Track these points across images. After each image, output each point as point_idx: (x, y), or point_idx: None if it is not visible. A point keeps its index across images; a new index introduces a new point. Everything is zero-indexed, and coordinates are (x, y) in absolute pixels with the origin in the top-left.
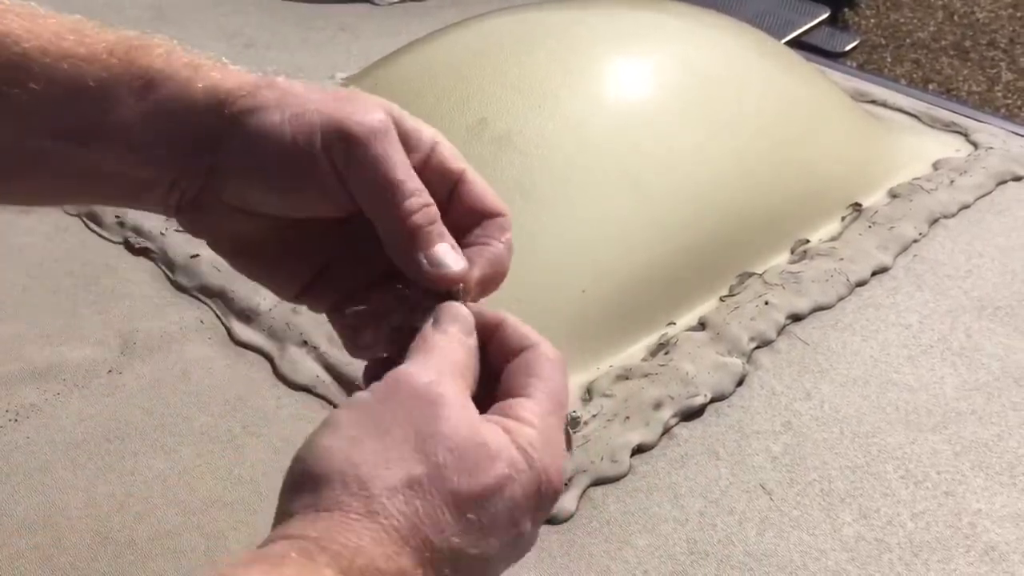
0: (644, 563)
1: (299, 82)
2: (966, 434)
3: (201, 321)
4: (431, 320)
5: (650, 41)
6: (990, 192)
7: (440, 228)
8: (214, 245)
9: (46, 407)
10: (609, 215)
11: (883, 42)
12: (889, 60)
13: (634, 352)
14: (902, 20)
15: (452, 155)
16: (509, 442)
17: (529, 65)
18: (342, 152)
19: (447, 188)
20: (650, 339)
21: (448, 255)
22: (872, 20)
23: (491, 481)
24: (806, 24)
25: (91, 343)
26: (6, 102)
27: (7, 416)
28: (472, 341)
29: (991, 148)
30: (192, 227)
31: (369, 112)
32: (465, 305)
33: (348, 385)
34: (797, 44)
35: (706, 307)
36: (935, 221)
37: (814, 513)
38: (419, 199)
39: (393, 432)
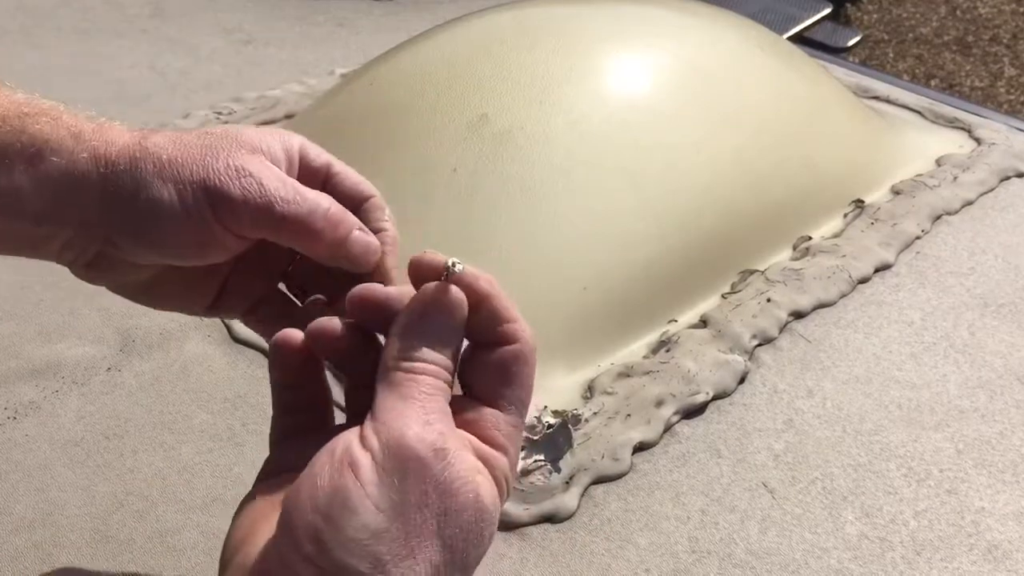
0: (646, 561)
1: (170, 137)
2: (969, 432)
3: (200, 318)
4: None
5: (652, 37)
6: (993, 189)
7: (347, 220)
8: (115, 290)
9: (45, 405)
10: (610, 212)
11: (885, 37)
12: (891, 56)
13: (635, 349)
14: (904, 16)
15: (315, 153)
16: (496, 493)
17: (530, 61)
18: (229, 212)
19: (319, 183)
20: (651, 336)
21: (362, 239)
22: (875, 16)
23: (488, 542)
24: (808, 19)
25: (90, 341)
26: None
27: (6, 414)
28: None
29: (994, 144)
30: (91, 278)
31: (233, 163)
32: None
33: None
34: (799, 40)
35: (708, 304)
36: (938, 218)
37: (816, 511)
38: (313, 211)
39: (411, 516)
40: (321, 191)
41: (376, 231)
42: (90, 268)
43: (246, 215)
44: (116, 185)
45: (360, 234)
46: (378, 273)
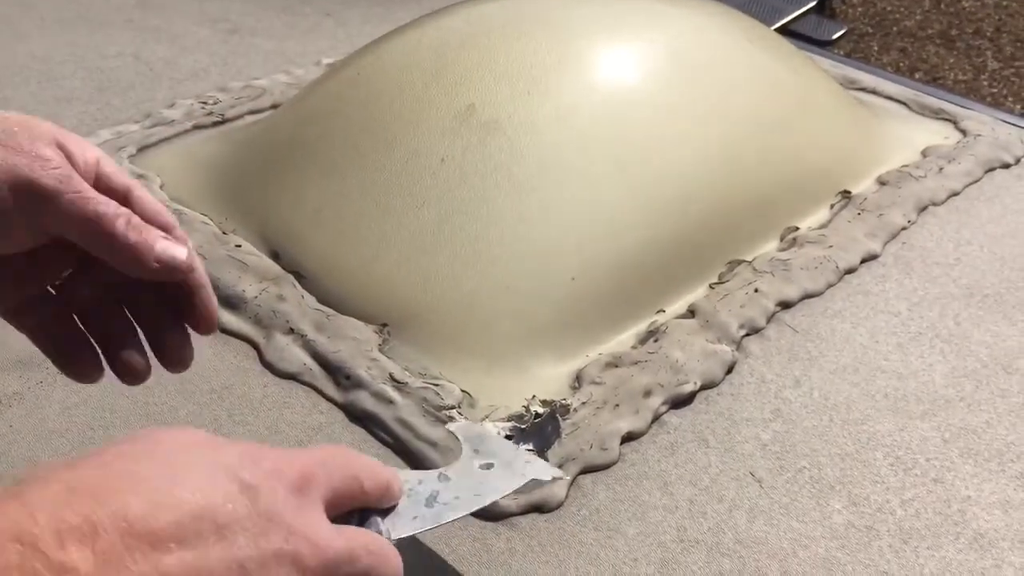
0: (634, 551)
1: None
2: (955, 421)
3: None
4: None
5: (639, 28)
6: (979, 179)
7: (148, 229)
8: None
9: (29, 395)
10: (598, 202)
11: (870, 31)
12: (876, 49)
13: (624, 340)
14: (889, 9)
15: (115, 172)
16: None
17: (517, 52)
18: (34, 205)
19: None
20: (639, 327)
21: (171, 247)
22: (859, 9)
23: None
24: (793, 12)
25: None
26: None
27: None
28: None
29: (979, 135)
30: None
31: (40, 153)
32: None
33: (335, 372)
34: (784, 32)
35: (695, 295)
36: (924, 209)
37: (804, 500)
38: (118, 215)
39: None
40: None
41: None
42: None
43: (59, 208)
44: None
45: (169, 242)
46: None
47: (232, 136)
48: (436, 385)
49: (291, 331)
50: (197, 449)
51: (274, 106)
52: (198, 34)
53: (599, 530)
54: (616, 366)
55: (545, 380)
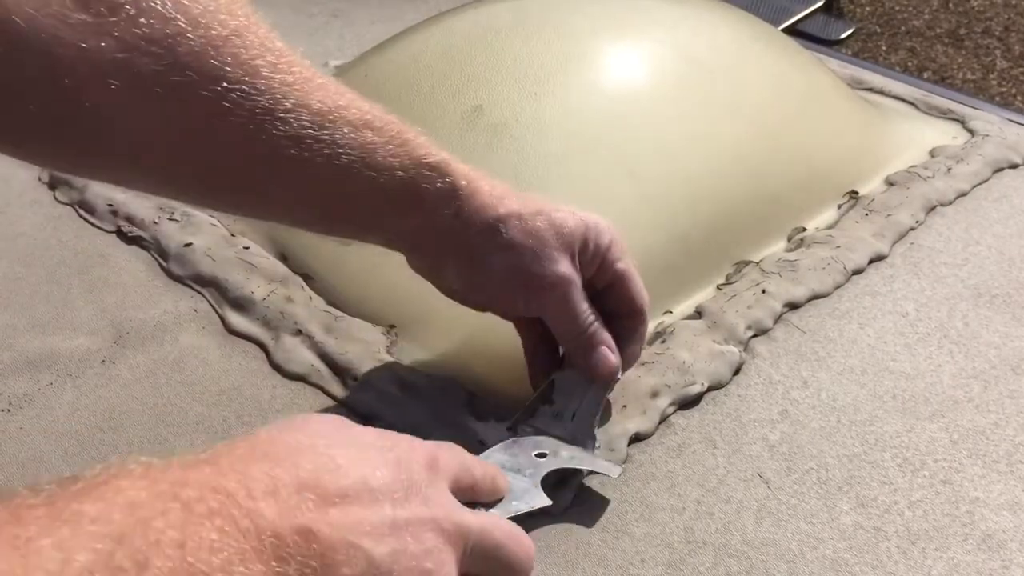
0: (641, 552)
1: (518, 226)
2: (963, 422)
3: (195, 310)
4: None
5: (646, 28)
6: (987, 180)
7: (601, 336)
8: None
9: (39, 397)
10: (605, 203)
11: (878, 30)
12: (884, 48)
13: None
14: (897, 8)
15: (616, 255)
16: None
17: (525, 52)
18: (534, 307)
19: (608, 280)
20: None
21: (608, 357)
22: (867, 8)
23: None
24: (801, 12)
25: (84, 333)
26: None
27: None
28: None
29: (988, 136)
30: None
31: (550, 268)
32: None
33: (343, 374)
34: (792, 32)
35: (703, 295)
36: (932, 209)
37: (811, 501)
38: (590, 324)
39: None
40: (606, 284)
41: (622, 346)
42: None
43: (548, 315)
44: (469, 247)
45: (605, 352)
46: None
47: None
48: (444, 387)
49: (299, 332)
50: (342, 428)
51: None
52: None
53: (606, 531)
54: None
55: None
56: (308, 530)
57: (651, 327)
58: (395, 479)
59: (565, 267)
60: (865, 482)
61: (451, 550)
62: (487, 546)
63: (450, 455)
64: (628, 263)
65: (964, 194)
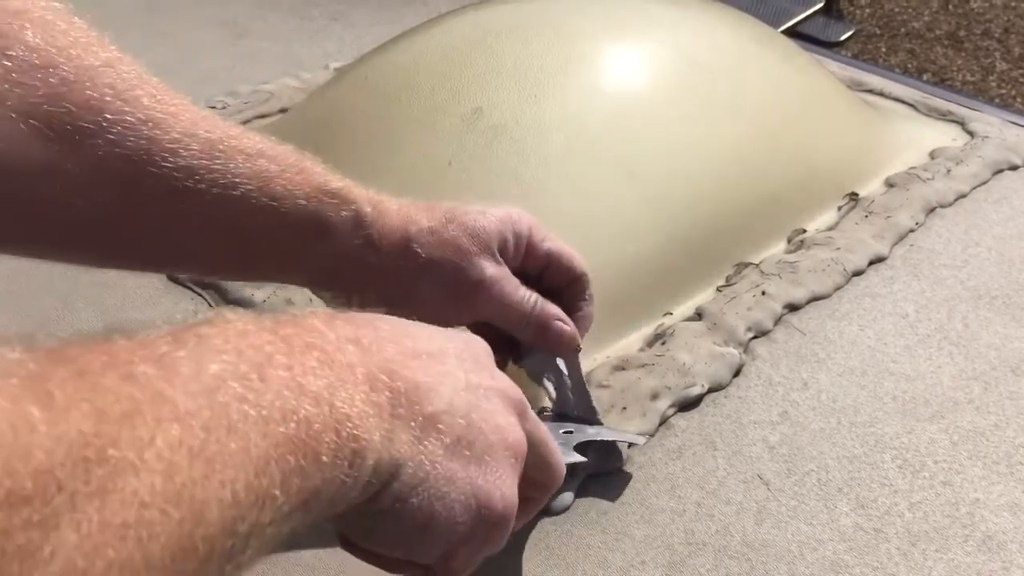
0: (642, 554)
1: (430, 239)
2: (963, 423)
3: (195, 312)
4: None
5: (646, 30)
6: (987, 181)
7: (548, 311)
8: None
9: None
10: (605, 205)
11: (878, 32)
12: (884, 50)
13: (631, 342)
14: (897, 10)
15: (540, 237)
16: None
17: (525, 54)
18: (474, 311)
19: (540, 263)
20: (647, 329)
21: (563, 328)
22: (867, 10)
23: None
24: (801, 14)
25: (84, 334)
26: None
27: None
28: None
29: (987, 137)
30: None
31: (478, 271)
32: None
33: None
34: (792, 34)
35: (703, 297)
36: (932, 210)
37: (811, 503)
38: (532, 306)
39: None
40: (540, 268)
41: (574, 312)
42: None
43: (490, 315)
44: (386, 274)
45: (559, 325)
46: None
47: None
48: None
49: None
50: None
51: (282, 110)
52: (206, 38)
53: (607, 533)
54: (623, 369)
55: None
56: (392, 371)
57: (650, 329)
58: (466, 351)
59: (489, 268)
60: (865, 484)
61: (517, 420)
62: (537, 438)
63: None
64: (554, 240)
65: (964, 196)
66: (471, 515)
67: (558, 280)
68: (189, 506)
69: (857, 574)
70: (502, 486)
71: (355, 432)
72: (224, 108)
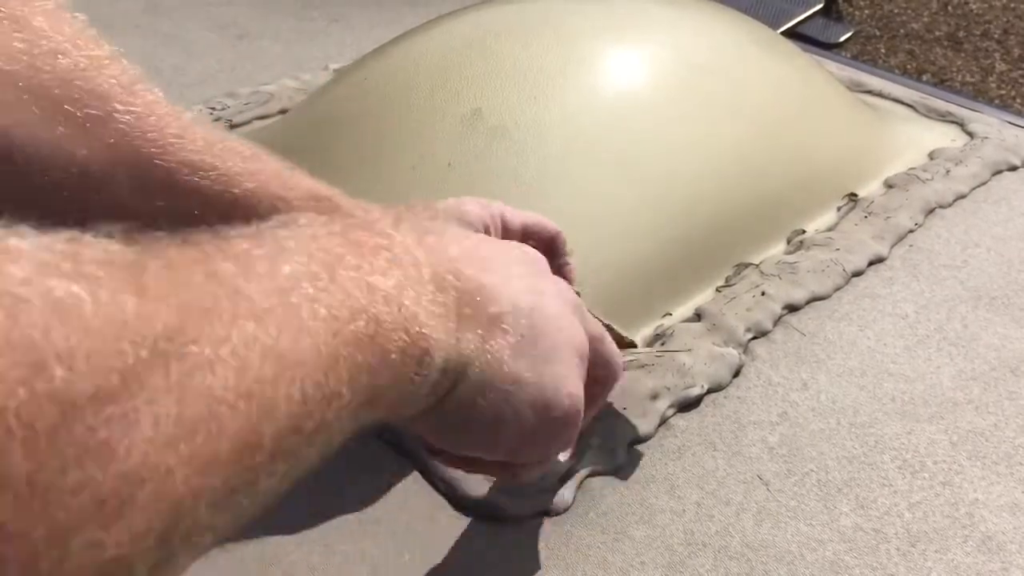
0: (642, 554)
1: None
2: (963, 424)
3: None
4: None
5: (646, 31)
6: (986, 182)
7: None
8: None
9: None
10: (605, 206)
11: (877, 33)
12: (883, 51)
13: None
14: (896, 11)
15: (511, 215)
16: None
17: (524, 56)
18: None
19: (518, 235)
20: (646, 330)
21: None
22: (866, 11)
23: None
24: (800, 14)
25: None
26: None
27: None
28: None
29: (987, 138)
30: None
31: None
32: None
33: None
34: (791, 35)
35: (702, 298)
36: (931, 211)
37: (811, 503)
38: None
39: None
40: (519, 238)
41: (562, 267)
42: None
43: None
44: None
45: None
46: None
47: None
48: None
49: None
50: None
51: (282, 112)
52: (206, 39)
53: (607, 534)
54: (623, 369)
55: None
56: (458, 271)
57: (650, 329)
58: (528, 259)
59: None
60: (865, 484)
61: (578, 323)
62: (595, 335)
63: None
64: (521, 213)
65: (963, 196)
66: (538, 413)
67: (538, 247)
68: (259, 402)
69: (857, 574)
70: (568, 384)
71: (423, 331)
72: (224, 109)
